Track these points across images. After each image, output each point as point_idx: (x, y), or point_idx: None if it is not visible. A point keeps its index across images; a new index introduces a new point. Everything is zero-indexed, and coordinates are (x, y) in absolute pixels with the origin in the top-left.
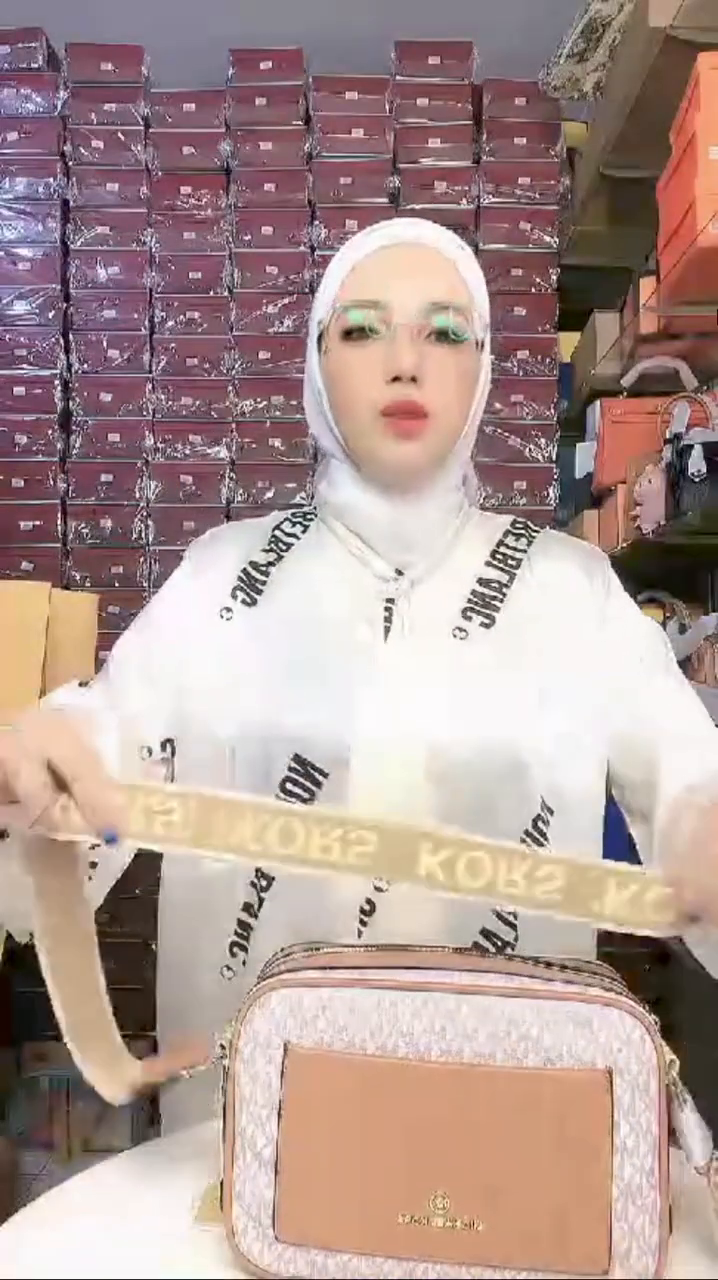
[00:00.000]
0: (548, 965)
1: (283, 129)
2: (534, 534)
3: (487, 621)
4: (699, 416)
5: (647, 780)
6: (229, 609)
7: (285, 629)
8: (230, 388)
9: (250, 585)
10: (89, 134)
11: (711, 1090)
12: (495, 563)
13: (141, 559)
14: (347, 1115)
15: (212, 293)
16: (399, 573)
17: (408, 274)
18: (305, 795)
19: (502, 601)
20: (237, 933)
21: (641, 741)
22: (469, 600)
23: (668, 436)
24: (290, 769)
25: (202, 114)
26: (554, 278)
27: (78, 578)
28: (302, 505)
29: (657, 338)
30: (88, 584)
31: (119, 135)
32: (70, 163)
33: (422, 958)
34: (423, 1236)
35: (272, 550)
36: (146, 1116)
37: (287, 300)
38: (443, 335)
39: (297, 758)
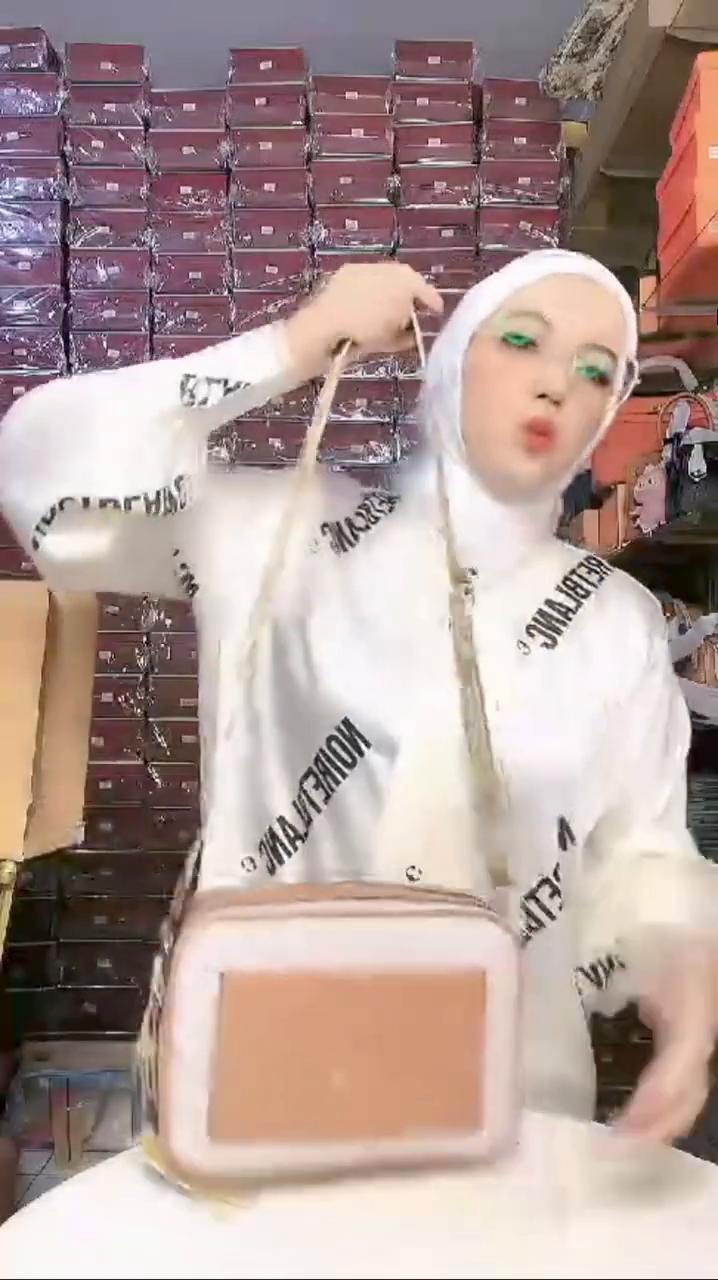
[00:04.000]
0: (433, 892)
1: (283, 129)
2: (607, 572)
3: (548, 642)
4: (699, 416)
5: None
6: (318, 543)
7: (365, 597)
8: None
9: (341, 538)
10: (89, 134)
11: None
12: (566, 589)
13: None
14: (270, 1025)
15: (211, 293)
16: (474, 572)
17: (580, 304)
18: (348, 759)
19: (566, 626)
20: None
21: (615, 806)
22: (535, 618)
23: (668, 436)
24: (335, 734)
25: (202, 114)
26: None
27: None
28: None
29: (657, 338)
30: None
31: (119, 135)
32: (70, 163)
33: (334, 890)
34: (335, 1121)
35: (363, 515)
36: None
37: (287, 300)
38: (592, 374)
39: (346, 721)
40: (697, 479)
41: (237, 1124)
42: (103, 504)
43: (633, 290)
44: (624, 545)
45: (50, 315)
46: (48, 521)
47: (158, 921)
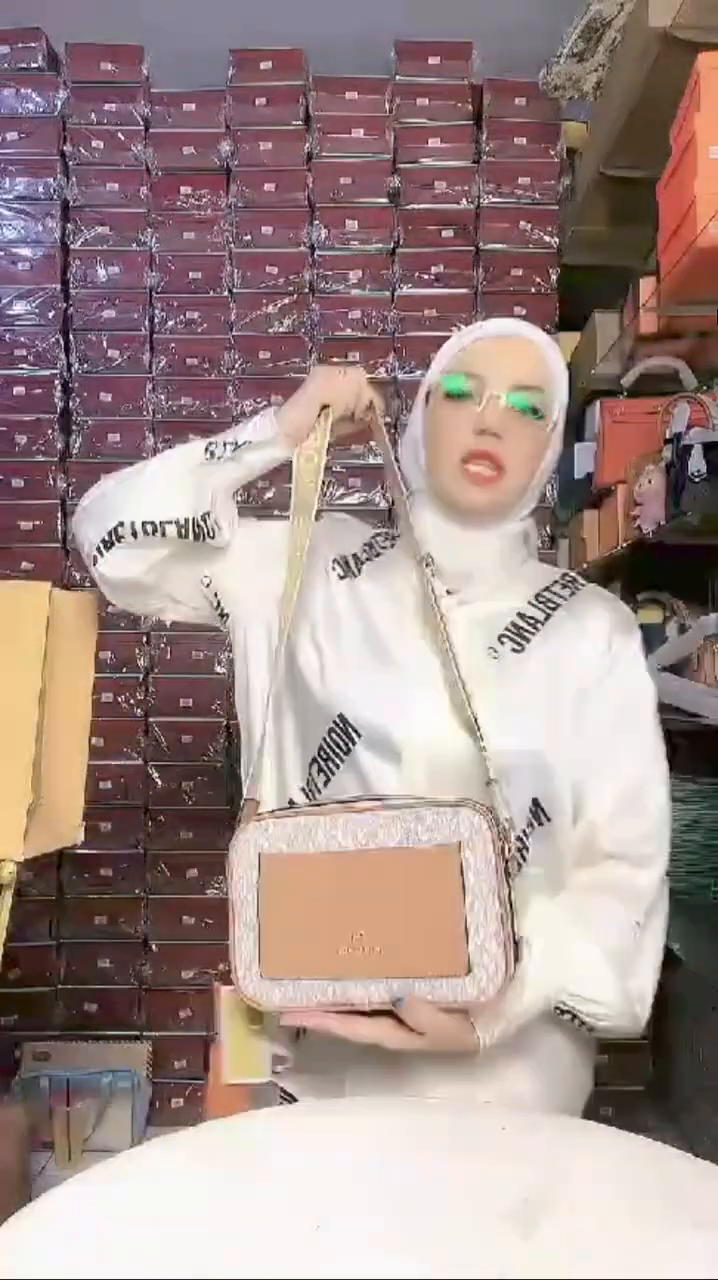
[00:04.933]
0: (430, 798)
1: (283, 129)
2: (580, 587)
3: (517, 648)
4: (699, 416)
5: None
6: (328, 573)
7: (365, 615)
8: (230, 388)
9: (348, 568)
10: (89, 134)
11: (710, 1084)
12: (537, 603)
13: None
14: (299, 892)
15: (211, 293)
16: (449, 593)
17: (504, 355)
18: (343, 749)
19: (533, 634)
20: None
21: (583, 786)
22: (507, 629)
23: (668, 436)
24: (333, 726)
25: (202, 114)
26: (554, 278)
27: (78, 578)
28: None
29: (657, 338)
30: (88, 584)
31: (119, 135)
32: (70, 163)
33: (342, 807)
34: (351, 961)
35: (369, 550)
36: (146, 1117)
37: (287, 300)
38: (524, 410)
39: (341, 718)
40: (697, 479)
41: (279, 964)
42: (145, 528)
43: (633, 290)
44: (624, 545)
45: (50, 315)
46: (105, 545)
47: (158, 921)
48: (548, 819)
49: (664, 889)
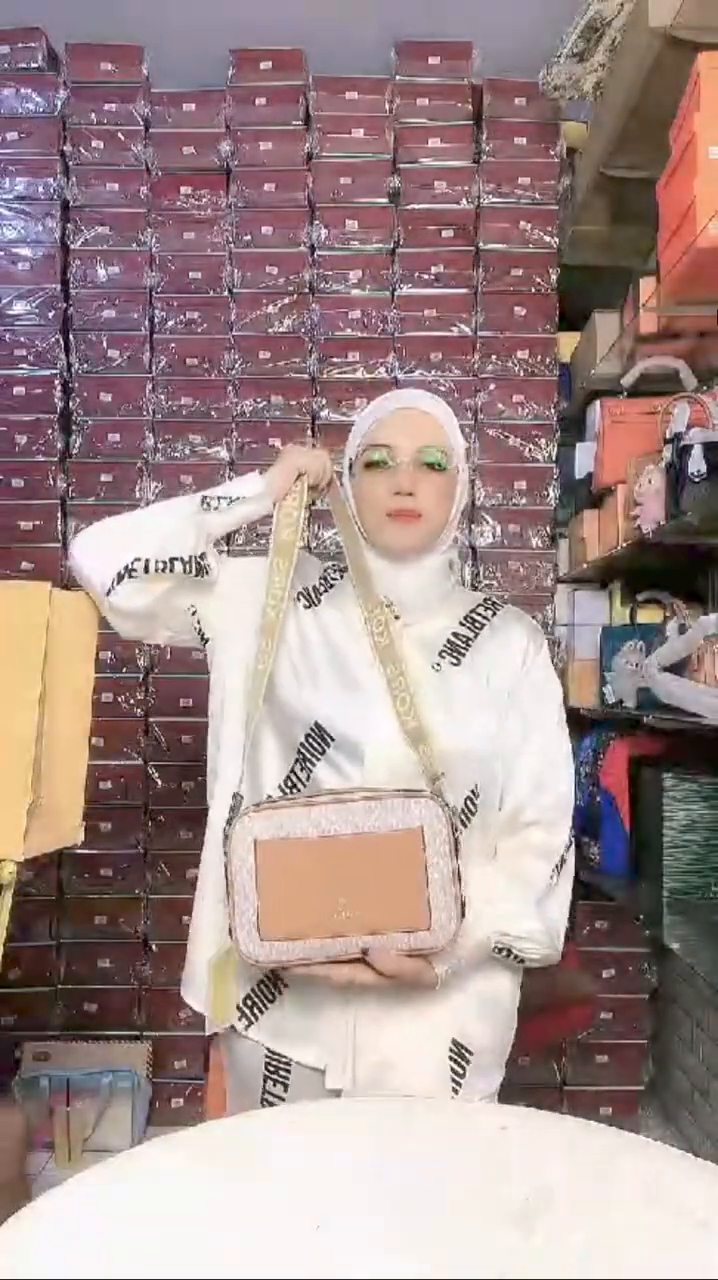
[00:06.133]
0: (393, 790)
1: (283, 129)
2: (499, 607)
3: (454, 662)
4: (699, 416)
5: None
6: (296, 601)
7: (327, 637)
8: (230, 388)
9: (309, 598)
10: (89, 134)
11: (710, 1084)
12: (466, 623)
13: None
14: (290, 870)
15: (211, 293)
16: (397, 617)
17: (407, 426)
18: (318, 750)
19: (466, 650)
20: None
21: (508, 767)
22: (445, 645)
23: (668, 436)
24: (309, 731)
25: (202, 114)
26: (554, 278)
27: None
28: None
29: (657, 338)
30: None
31: (119, 135)
32: (70, 163)
33: (329, 793)
34: (335, 923)
35: (323, 583)
36: (146, 1117)
37: (287, 300)
38: (431, 465)
39: (316, 725)
40: (697, 479)
41: (275, 929)
42: (157, 564)
43: (633, 290)
44: (624, 545)
45: (50, 315)
46: (119, 579)
47: (158, 921)
48: (481, 799)
49: (572, 847)
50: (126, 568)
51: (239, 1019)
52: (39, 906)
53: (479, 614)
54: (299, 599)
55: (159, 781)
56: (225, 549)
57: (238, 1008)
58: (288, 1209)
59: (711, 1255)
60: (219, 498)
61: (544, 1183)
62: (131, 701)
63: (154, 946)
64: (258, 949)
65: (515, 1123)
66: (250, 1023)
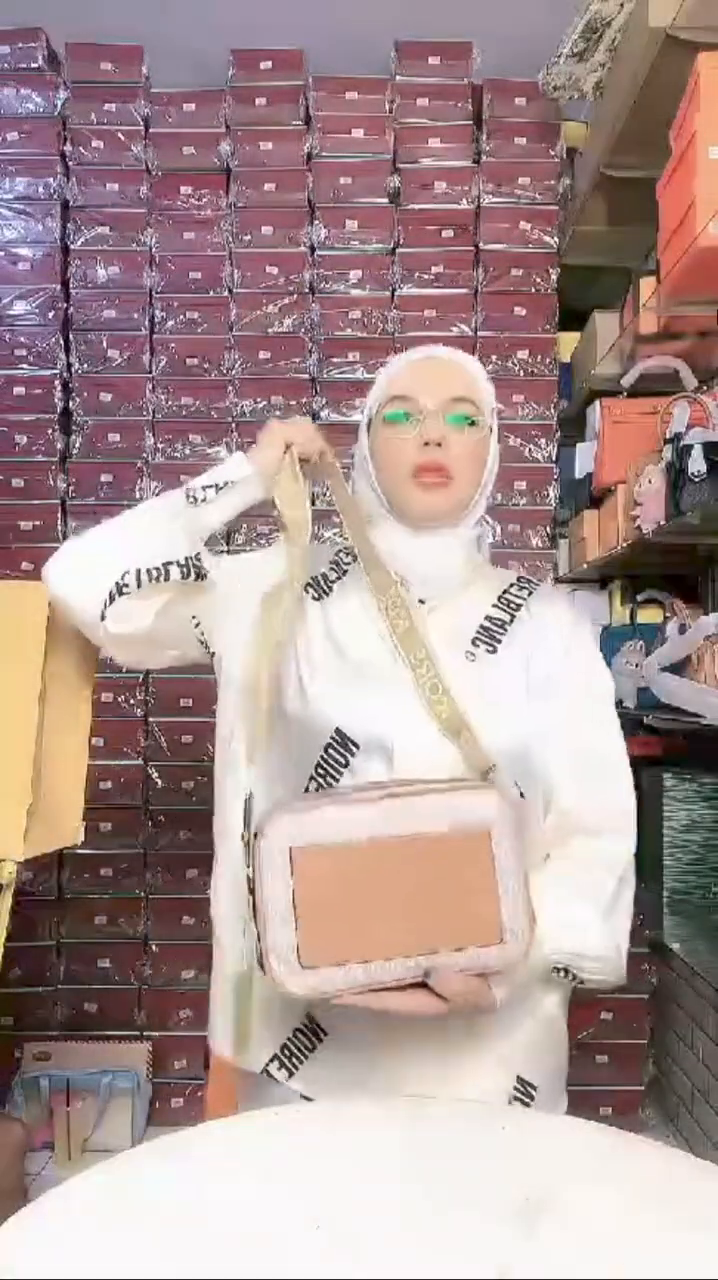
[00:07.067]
0: (445, 780)
1: (283, 129)
2: (536, 585)
3: (490, 649)
4: (699, 416)
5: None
6: (301, 599)
7: (340, 632)
8: (230, 388)
9: (319, 588)
10: (89, 134)
11: (710, 1084)
12: (500, 605)
13: None
14: (336, 882)
15: (211, 293)
16: (422, 602)
17: (434, 376)
18: (343, 761)
19: (503, 635)
20: None
21: (550, 763)
22: (478, 632)
23: (668, 436)
24: (330, 741)
25: (202, 114)
26: (554, 278)
27: None
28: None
29: (657, 338)
30: None
31: (119, 135)
32: (70, 163)
33: (373, 787)
34: (389, 943)
35: (334, 569)
36: (146, 1117)
37: (287, 300)
38: (460, 421)
39: (338, 732)
40: (697, 479)
41: (318, 953)
42: (150, 573)
43: (633, 290)
44: (624, 545)
45: (50, 315)
46: (111, 600)
47: (158, 921)
48: (523, 798)
49: (632, 857)
50: (117, 585)
51: (278, 1067)
52: (39, 906)
53: (514, 595)
54: (307, 589)
55: (159, 781)
56: (225, 549)
57: (276, 1056)
58: (288, 1209)
59: (711, 1255)
60: (205, 487)
61: (544, 1183)
62: (131, 701)
63: (154, 946)
64: (297, 979)
65: (516, 1123)
66: (291, 1073)
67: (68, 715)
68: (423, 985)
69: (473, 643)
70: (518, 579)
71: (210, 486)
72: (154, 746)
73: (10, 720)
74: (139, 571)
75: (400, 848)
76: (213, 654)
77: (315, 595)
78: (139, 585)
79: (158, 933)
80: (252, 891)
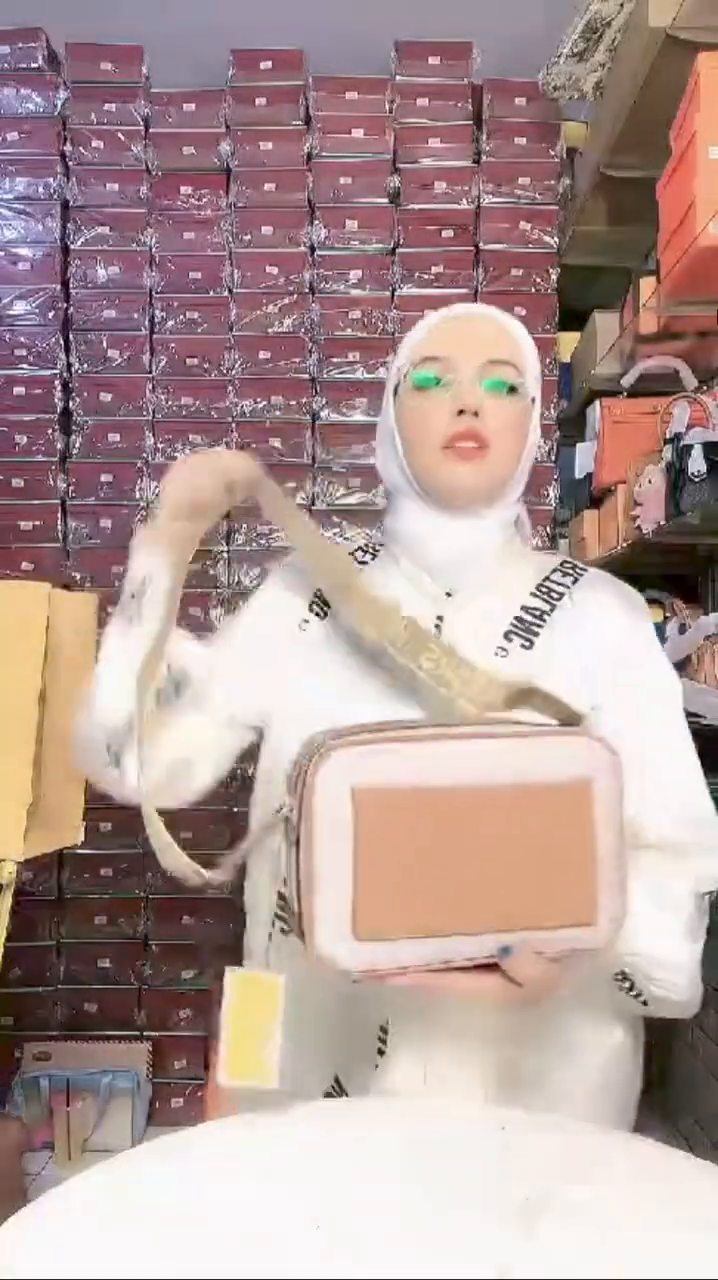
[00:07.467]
0: (559, 720)
1: (283, 129)
2: (582, 572)
3: (526, 644)
4: (699, 416)
5: None
6: (307, 620)
7: (351, 640)
8: (230, 388)
9: (323, 603)
10: (89, 134)
11: (711, 1084)
12: (540, 594)
13: None
14: (404, 835)
15: (211, 293)
16: (449, 594)
17: (471, 335)
18: None
19: (541, 628)
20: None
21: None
22: (512, 624)
23: (668, 436)
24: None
25: (202, 114)
26: (554, 278)
27: (78, 578)
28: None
29: (657, 338)
30: (88, 584)
31: (119, 135)
32: (70, 163)
33: (453, 731)
34: (462, 915)
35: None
36: (146, 1117)
37: (287, 300)
38: (500, 387)
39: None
40: (697, 479)
41: (377, 923)
42: (125, 733)
43: (633, 290)
44: (624, 545)
45: (50, 315)
46: (115, 763)
47: (158, 921)
48: None
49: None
50: (112, 753)
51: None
52: (39, 906)
53: (556, 582)
54: (312, 610)
55: None
56: (226, 549)
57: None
58: (288, 1209)
59: (711, 1255)
60: (128, 598)
61: (544, 1183)
62: None
63: (154, 946)
64: (349, 952)
65: (515, 1122)
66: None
67: (68, 715)
68: (490, 967)
69: (506, 637)
70: (562, 564)
71: (131, 598)
72: None
73: (10, 720)
74: (114, 732)
75: (485, 798)
76: (256, 727)
77: (320, 613)
78: (125, 747)
79: (158, 933)
80: (295, 843)
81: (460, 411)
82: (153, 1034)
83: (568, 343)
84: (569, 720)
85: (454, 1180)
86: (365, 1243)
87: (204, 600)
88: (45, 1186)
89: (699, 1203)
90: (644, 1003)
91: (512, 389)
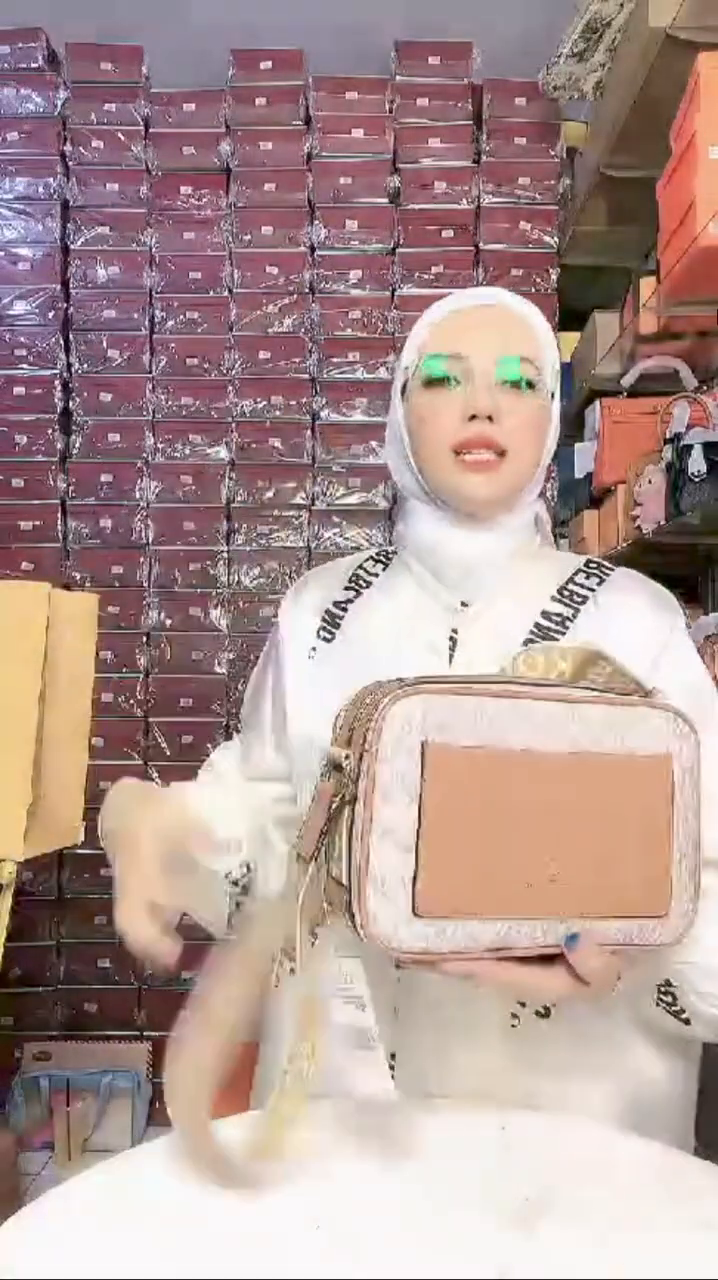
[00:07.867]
0: (619, 692)
1: (283, 129)
2: (608, 573)
3: None
4: (699, 416)
5: None
6: (314, 648)
7: (358, 657)
8: (230, 388)
9: (331, 622)
10: (89, 134)
11: (711, 1084)
12: (562, 598)
13: (141, 559)
14: (477, 802)
15: (211, 293)
16: (464, 604)
17: (484, 328)
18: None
19: (563, 634)
20: None
21: None
22: (532, 632)
23: (668, 436)
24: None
25: (202, 114)
26: (554, 278)
27: (78, 578)
28: (387, 547)
29: (657, 338)
30: (88, 584)
31: (119, 135)
32: (70, 163)
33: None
34: (532, 898)
35: (352, 588)
36: (146, 1117)
37: (287, 300)
38: (517, 384)
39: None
40: (697, 479)
41: (440, 900)
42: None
43: (633, 290)
44: (624, 545)
45: (50, 315)
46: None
47: None
48: None
49: None
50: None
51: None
52: (39, 906)
53: (580, 585)
54: (318, 635)
55: (159, 781)
56: (226, 550)
57: None
58: (288, 1209)
59: (711, 1255)
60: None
61: (544, 1183)
62: (131, 701)
63: None
64: (406, 930)
65: (515, 1122)
66: None
67: (68, 716)
68: (551, 958)
69: (525, 644)
70: (586, 563)
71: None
72: (154, 746)
73: (10, 720)
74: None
75: (562, 767)
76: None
77: (327, 635)
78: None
79: None
80: (350, 801)
81: (473, 417)
82: (153, 1034)
83: (568, 343)
84: (631, 689)
85: (454, 1180)
86: (365, 1243)
87: (204, 600)
88: (45, 1186)
89: (700, 1203)
90: (686, 1020)
91: (531, 385)
